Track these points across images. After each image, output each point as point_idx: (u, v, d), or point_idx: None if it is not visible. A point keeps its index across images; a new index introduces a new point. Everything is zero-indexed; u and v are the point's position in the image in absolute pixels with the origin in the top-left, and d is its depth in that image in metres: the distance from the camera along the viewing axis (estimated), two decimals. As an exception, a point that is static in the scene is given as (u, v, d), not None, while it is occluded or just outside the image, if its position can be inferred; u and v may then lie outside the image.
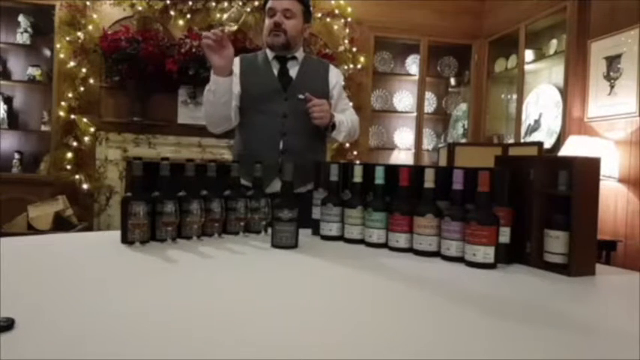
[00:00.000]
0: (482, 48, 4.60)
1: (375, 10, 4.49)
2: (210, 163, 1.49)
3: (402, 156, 4.84)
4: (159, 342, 0.67)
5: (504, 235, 1.23)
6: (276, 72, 1.98)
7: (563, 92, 3.58)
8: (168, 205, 1.30)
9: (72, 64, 3.94)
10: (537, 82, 4.05)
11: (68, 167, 3.96)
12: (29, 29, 4.06)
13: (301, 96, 1.87)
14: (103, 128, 4.08)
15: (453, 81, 4.94)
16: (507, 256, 1.24)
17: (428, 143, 4.92)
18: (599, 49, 3.34)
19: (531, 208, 1.23)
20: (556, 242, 1.17)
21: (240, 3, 4.12)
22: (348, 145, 4.31)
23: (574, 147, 3.16)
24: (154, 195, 1.34)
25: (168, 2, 4.09)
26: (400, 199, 1.38)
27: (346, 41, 4.39)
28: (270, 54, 1.99)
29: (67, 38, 3.94)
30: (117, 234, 1.36)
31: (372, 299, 0.95)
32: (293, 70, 1.99)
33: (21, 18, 4.04)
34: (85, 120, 3.99)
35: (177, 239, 1.38)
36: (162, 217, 1.32)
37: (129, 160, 1.41)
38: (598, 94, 3.34)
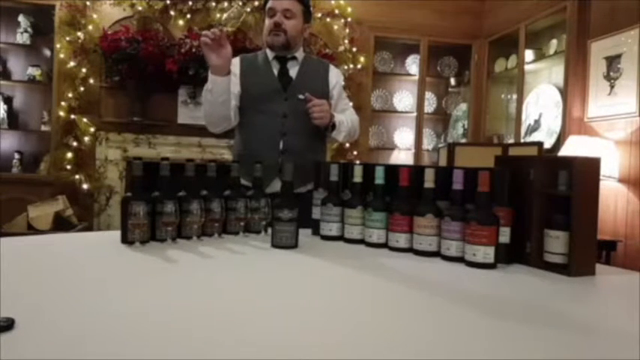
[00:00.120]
0: (482, 48, 4.60)
1: (375, 10, 4.49)
2: (210, 163, 1.49)
3: (402, 156, 4.84)
4: (159, 342, 0.67)
5: (504, 235, 1.23)
6: (276, 72, 1.98)
7: (563, 92, 3.58)
8: (168, 205, 1.30)
9: (72, 64, 3.94)
10: (537, 82, 4.05)
11: (68, 167, 3.96)
12: (29, 29, 4.06)
13: (301, 96, 1.87)
14: (103, 128, 4.08)
15: (453, 81, 4.94)
16: (507, 256, 1.24)
17: (428, 143, 4.92)
18: (599, 49, 3.34)
19: (531, 208, 1.23)
20: (556, 242, 1.17)
21: (240, 3, 4.11)
22: (348, 145, 4.31)
23: (574, 147, 3.16)
24: (154, 195, 1.34)
25: (168, 2, 4.09)
26: (400, 199, 1.38)
27: (346, 41, 4.39)
28: (270, 54, 1.99)
29: (67, 38, 3.94)
30: (117, 234, 1.36)
31: (372, 299, 0.95)
32: (293, 70, 1.99)
33: (21, 18, 4.04)
34: (85, 120, 3.99)
35: (177, 239, 1.38)
36: (162, 217, 1.32)
37: (129, 160, 1.41)
38: (598, 94, 3.34)
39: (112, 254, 1.24)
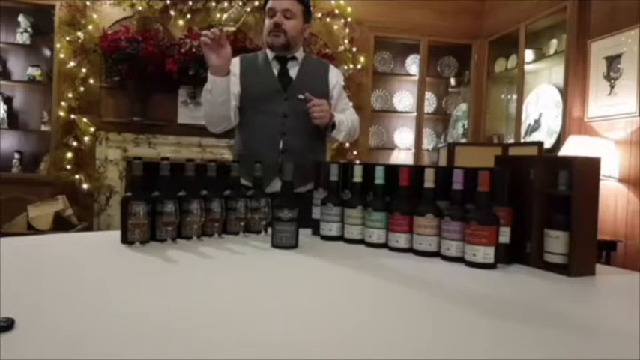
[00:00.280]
0: (482, 48, 4.60)
1: (375, 10, 4.49)
2: (210, 163, 1.49)
3: (402, 156, 4.84)
4: (159, 342, 0.67)
5: (504, 235, 1.23)
6: (276, 72, 1.98)
7: (563, 92, 3.58)
8: (168, 205, 1.30)
9: (72, 64, 3.94)
10: (537, 82, 4.05)
11: (68, 167, 3.96)
12: (29, 29, 4.06)
13: (301, 96, 1.87)
14: (103, 128, 4.08)
15: (453, 81, 4.94)
16: (507, 256, 1.24)
17: (428, 143, 4.92)
18: (599, 49, 3.34)
19: (531, 208, 1.23)
20: (556, 242, 1.17)
21: (241, 3, 4.11)
22: (348, 145, 4.31)
23: (574, 147, 3.16)
24: (154, 195, 1.34)
25: (168, 2, 4.09)
26: (400, 199, 1.38)
27: (346, 41, 4.39)
28: (270, 54, 1.99)
29: (67, 38, 3.94)
30: (117, 234, 1.36)
31: (372, 299, 0.95)
32: (293, 70, 1.99)
33: (21, 18, 4.04)
34: (85, 120, 3.99)
35: (177, 239, 1.38)
36: (162, 217, 1.32)
37: (129, 160, 1.41)
38: (598, 94, 3.34)
39: (112, 254, 1.24)
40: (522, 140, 3.95)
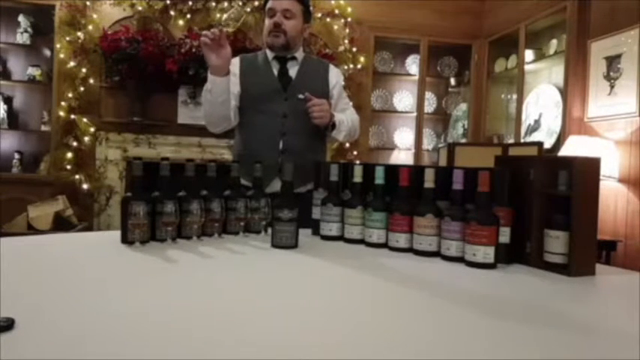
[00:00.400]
0: (482, 48, 4.60)
1: (375, 10, 4.49)
2: (210, 163, 1.49)
3: (402, 156, 4.84)
4: (159, 342, 0.67)
5: (504, 235, 1.23)
6: (276, 72, 1.98)
7: (563, 92, 3.58)
8: (168, 205, 1.30)
9: (72, 64, 3.94)
10: (537, 82, 4.05)
11: (68, 167, 3.96)
12: (29, 29, 4.06)
13: (301, 96, 1.87)
14: (103, 128, 4.08)
15: (453, 81, 4.94)
16: (507, 256, 1.24)
17: (428, 143, 4.92)
18: (599, 49, 3.34)
19: (531, 208, 1.23)
20: (556, 242, 1.17)
21: (241, 3, 4.12)
22: (348, 145, 4.32)
23: (574, 147, 3.16)
24: (154, 195, 1.34)
25: (168, 2, 4.09)
26: (400, 199, 1.38)
27: (346, 41, 4.39)
28: (270, 54, 1.99)
29: (67, 38, 3.94)
30: (117, 234, 1.36)
31: (372, 299, 0.95)
32: (293, 70, 1.99)
33: (21, 18, 4.04)
34: (85, 120, 3.99)
35: (177, 239, 1.38)
36: (163, 217, 1.32)
37: (129, 160, 1.41)
38: (598, 94, 3.34)
39: (112, 254, 1.24)
40: (522, 140, 3.95)
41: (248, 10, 4.11)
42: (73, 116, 3.96)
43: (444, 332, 0.76)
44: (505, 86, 4.58)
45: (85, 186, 3.99)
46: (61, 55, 3.94)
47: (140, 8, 4.05)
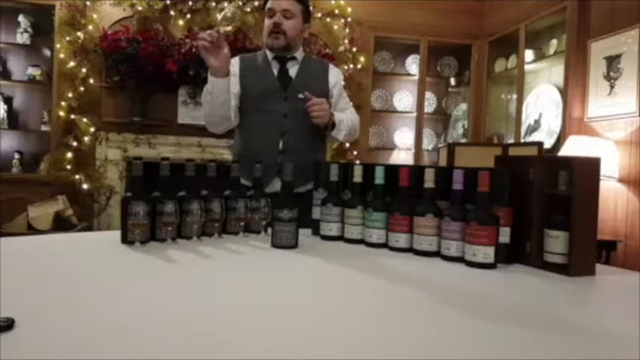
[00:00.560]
0: (482, 48, 4.60)
1: (375, 10, 4.49)
2: (210, 163, 1.49)
3: (402, 156, 4.84)
4: (159, 342, 0.67)
5: (504, 235, 1.23)
6: (275, 72, 1.98)
7: (563, 92, 3.58)
8: (168, 205, 1.30)
9: (72, 64, 3.94)
10: (537, 82, 4.05)
11: (68, 167, 3.96)
12: (29, 29, 4.06)
13: (301, 95, 1.87)
14: (103, 128, 4.08)
15: (453, 81, 4.94)
16: (507, 256, 1.24)
17: (428, 143, 4.92)
18: (599, 49, 3.34)
19: (531, 208, 1.23)
20: (556, 242, 1.17)
21: (240, 3, 4.11)
22: (348, 145, 4.32)
23: (574, 147, 3.16)
24: (154, 195, 1.34)
25: (168, 2, 4.09)
26: (400, 199, 1.38)
27: (346, 41, 4.39)
28: (269, 54, 1.99)
29: (67, 38, 3.94)
30: (117, 234, 1.36)
31: (371, 299, 0.95)
32: (293, 70, 1.99)
33: (21, 18, 4.04)
34: (85, 120, 3.99)
35: (177, 239, 1.38)
36: (163, 217, 1.32)
37: (129, 160, 1.41)
38: (598, 94, 3.34)
39: (112, 254, 1.24)
40: (522, 140, 3.95)
41: (248, 10, 4.11)
42: (73, 116, 3.96)
43: (444, 332, 0.76)
44: (505, 86, 4.58)
45: (85, 186, 3.99)
46: (61, 55, 3.95)
47: (140, 8, 4.05)
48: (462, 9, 4.64)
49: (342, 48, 4.38)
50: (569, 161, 1.17)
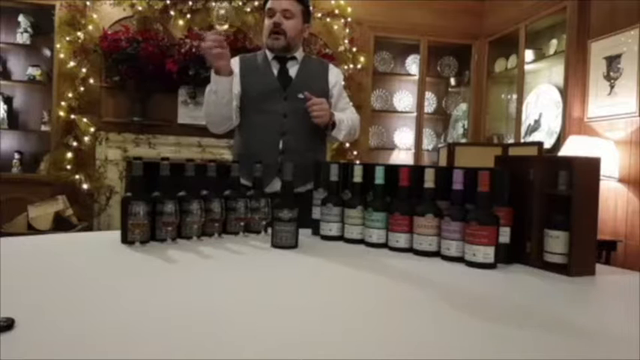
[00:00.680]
0: (482, 48, 4.60)
1: (375, 10, 4.49)
2: (210, 163, 1.49)
3: (402, 156, 4.84)
4: (159, 342, 0.67)
5: (504, 235, 1.23)
6: (275, 72, 1.98)
7: (563, 92, 3.58)
8: (168, 205, 1.30)
9: (72, 64, 3.94)
10: (537, 82, 4.05)
11: (68, 167, 3.96)
12: (29, 29, 4.06)
13: (301, 95, 1.87)
14: (103, 128, 4.08)
15: (453, 81, 4.94)
16: (507, 256, 1.24)
17: (428, 143, 4.92)
18: (599, 49, 3.34)
19: (531, 208, 1.23)
20: (556, 242, 1.17)
21: (240, 3, 4.11)
22: (348, 145, 4.31)
23: (574, 147, 3.16)
24: (154, 195, 1.34)
25: (168, 2, 4.09)
26: (400, 199, 1.38)
27: (346, 41, 4.39)
28: (269, 54, 1.99)
29: (67, 38, 3.94)
30: (117, 234, 1.36)
31: (372, 299, 0.95)
32: (292, 70, 1.99)
33: (21, 18, 4.04)
34: (85, 120, 4.00)
35: (178, 239, 1.38)
36: (163, 217, 1.32)
37: (129, 160, 1.41)
38: (598, 94, 3.34)
39: (112, 254, 1.24)
40: (522, 140, 3.95)
41: (248, 10, 4.11)
42: (73, 116, 3.96)
43: (444, 332, 0.76)
44: (505, 86, 4.58)
45: (85, 186, 3.99)
46: (61, 55, 3.95)
47: (140, 8, 4.05)
48: (461, 9, 4.64)
49: (342, 48, 4.38)
50: (569, 161, 1.17)
